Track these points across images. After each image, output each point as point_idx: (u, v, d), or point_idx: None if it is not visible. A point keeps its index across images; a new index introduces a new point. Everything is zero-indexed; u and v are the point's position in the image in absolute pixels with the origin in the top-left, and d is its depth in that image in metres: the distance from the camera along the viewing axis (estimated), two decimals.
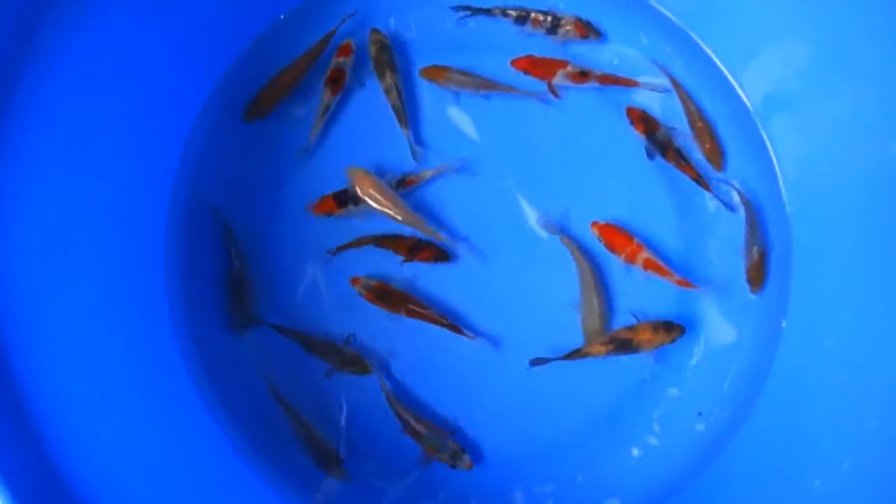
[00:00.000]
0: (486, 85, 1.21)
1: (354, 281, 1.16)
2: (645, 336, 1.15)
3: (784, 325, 1.17)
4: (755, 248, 1.18)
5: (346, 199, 1.17)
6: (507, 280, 1.19)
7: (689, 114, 1.22)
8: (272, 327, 1.17)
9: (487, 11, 1.23)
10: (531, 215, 1.20)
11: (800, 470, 1.06)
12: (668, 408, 1.18)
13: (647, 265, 1.17)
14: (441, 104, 1.23)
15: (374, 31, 1.22)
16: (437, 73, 1.21)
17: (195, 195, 1.21)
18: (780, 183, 1.20)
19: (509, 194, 1.21)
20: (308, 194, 1.20)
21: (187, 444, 1.12)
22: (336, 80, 1.20)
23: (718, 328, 1.19)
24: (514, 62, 1.22)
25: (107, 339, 1.06)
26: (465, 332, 1.15)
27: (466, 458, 1.13)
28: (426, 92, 1.23)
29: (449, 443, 1.13)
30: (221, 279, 1.18)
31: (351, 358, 1.16)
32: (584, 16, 1.24)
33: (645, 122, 1.20)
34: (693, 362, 1.19)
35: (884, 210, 1.08)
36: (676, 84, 1.22)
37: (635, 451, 1.17)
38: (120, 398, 1.04)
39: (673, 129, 1.21)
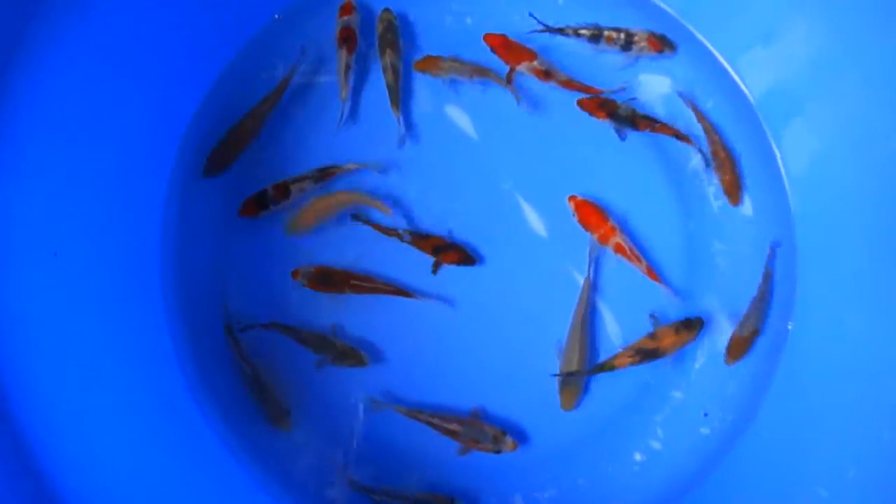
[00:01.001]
0: (480, 71, 1.19)
1: (294, 274, 1.15)
2: (668, 341, 1.13)
3: (790, 326, 1.15)
4: (751, 324, 1.15)
5: (265, 201, 1.16)
6: (506, 281, 1.18)
7: (712, 143, 1.19)
8: (262, 326, 1.15)
9: (560, 31, 1.20)
10: (531, 216, 1.19)
11: (804, 476, 1.05)
12: (672, 411, 1.17)
13: (618, 249, 1.15)
14: (439, 103, 1.21)
15: (386, 10, 1.21)
16: (430, 63, 1.19)
17: (190, 196, 1.19)
18: (786, 182, 1.18)
19: (509, 195, 1.19)
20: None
21: (181, 449, 1.11)
22: (348, 39, 1.19)
23: (723, 331, 1.17)
24: (487, 37, 1.19)
25: (100, 342, 1.05)
26: (416, 295, 1.15)
27: (508, 438, 1.12)
28: (424, 91, 1.21)
29: (486, 429, 1.13)
30: (240, 384, 1.16)
31: (346, 351, 1.14)
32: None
33: (603, 106, 1.18)
34: (697, 366, 1.18)
35: (891, 210, 1.07)
36: (701, 116, 1.20)
37: (638, 456, 1.16)
38: (112, 404, 1.04)
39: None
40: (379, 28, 1.21)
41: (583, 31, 1.20)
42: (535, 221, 1.19)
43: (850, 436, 1.04)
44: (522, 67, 1.19)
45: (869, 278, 1.08)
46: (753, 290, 1.16)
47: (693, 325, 1.14)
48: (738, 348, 1.15)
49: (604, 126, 1.19)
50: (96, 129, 1.06)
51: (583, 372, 1.14)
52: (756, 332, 1.15)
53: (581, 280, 1.17)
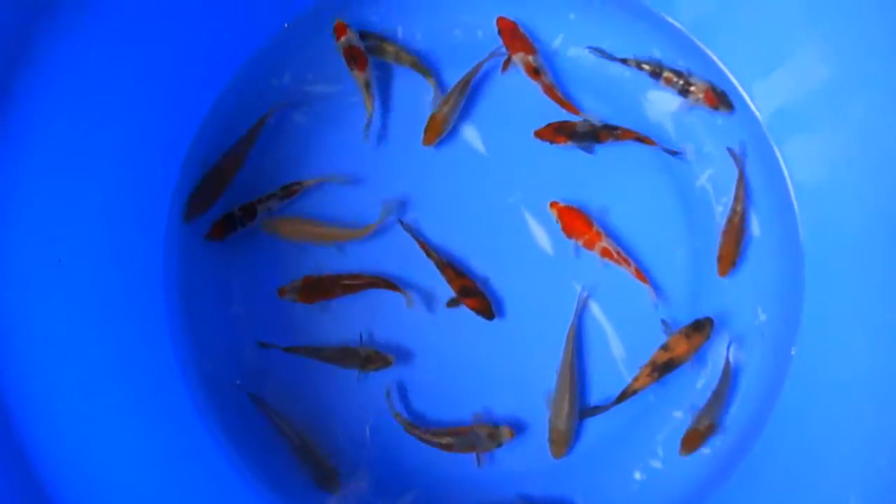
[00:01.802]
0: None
1: (281, 292, 1.15)
2: (682, 349, 1.12)
3: (793, 352, 1.14)
4: (707, 418, 1.13)
5: (232, 223, 1.15)
6: (510, 296, 1.18)
7: (733, 210, 1.17)
8: (284, 350, 1.15)
9: (623, 60, 1.20)
10: (537, 231, 1.18)
11: (805, 499, 1.04)
12: (673, 431, 1.16)
13: (605, 254, 1.15)
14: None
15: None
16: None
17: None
18: (794, 202, 1.17)
19: (515, 209, 1.19)
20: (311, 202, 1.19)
21: (182, 461, 1.10)
22: (356, 57, 1.18)
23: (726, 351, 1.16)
24: (500, 19, 1.19)
25: (102, 349, 1.05)
26: (402, 289, 1.14)
27: (503, 429, 1.13)
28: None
29: (479, 431, 1.12)
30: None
31: (369, 356, 1.14)
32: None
33: (560, 131, 1.17)
34: (699, 385, 1.17)
35: None
36: (741, 181, 1.18)
37: (638, 475, 1.15)
38: (113, 413, 1.03)
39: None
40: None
41: (645, 66, 1.19)
42: (540, 236, 1.18)
43: (853, 464, 1.03)
44: (518, 58, 1.19)
45: (875, 307, 1.08)
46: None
47: (703, 326, 1.13)
48: (694, 441, 1.13)
49: (613, 145, 1.19)
50: (103, 136, 1.05)
51: (607, 406, 1.13)
52: (713, 427, 1.13)
53: (585, 296, 1.17)
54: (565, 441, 1.13)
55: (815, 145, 1.15)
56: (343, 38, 1.18)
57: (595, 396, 1.16)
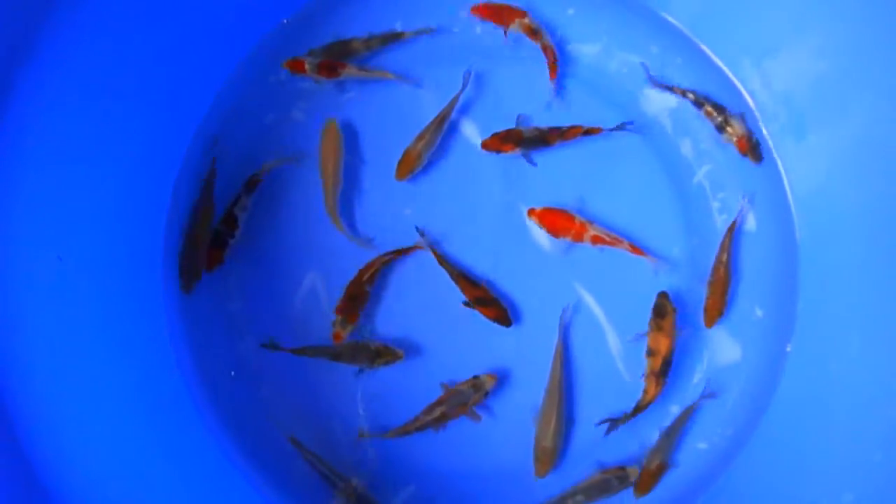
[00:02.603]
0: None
1: (298, 66, 1.17)
2: (664, 343, 1.13)
3: (789, 348, 1.15)
4: (658, 458, 1.14)
5: (223, 239, 1.16)
6: (509, 293, 1.18)
7: (718, 259, 1.17)
8: (290, 352, 1.15)
9: (670, 88, 1.20)
10: (535, 229, 1.18)
11: (800, 498, 1.05)
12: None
13: (596, 241, 1.16)
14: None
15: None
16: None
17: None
18: (790, 198, 1.18)
19: (513, 206, 1.19)
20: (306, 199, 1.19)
21: (182, 454, 1.11)
22: (331, 66, 1.18)
23: (722, 347, 1.18)
24: (473, 9, 1.20)
25: (101, 346, 1.04)
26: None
27: (483, 377, 1.13)
28: (432, 102, 1.20)
29: (463, 388, 1.13)
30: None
31: (379, 350, 1.14)
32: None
33: (507, 139, 1.17)
34: (695, 380, 1.18)
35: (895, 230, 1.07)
36: (732, 229, 1.18)
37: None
38: (113, 407, 1.03)
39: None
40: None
41: (689, 94, 1.19)
42: (539, 234, 1.18)
43: (848, 460, 1.04)
44: (515, 25, 1.19)
45: (870, 304, 1.08)
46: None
47: (663, 306, 1.14)
48: (647, 483, 1.14)
49: (611, 138, 1.19)
50: (104, 132, 1.05)
51: (625, 417, 1.13)
52: (664, 466, 1.14)
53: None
54: (550, 460, 1.13)
55: (812, 142, 1.16)
56: (307, 66, 1.17)
57: (593, 392, 1.17)
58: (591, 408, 1.16)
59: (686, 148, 1.21)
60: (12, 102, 0.92)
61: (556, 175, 1.19)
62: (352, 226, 1.19)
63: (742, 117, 1.18)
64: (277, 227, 1.19)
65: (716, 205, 1.20)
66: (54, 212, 1.00)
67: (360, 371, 1.15)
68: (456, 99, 1.18)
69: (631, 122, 1.19)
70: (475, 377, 1.13)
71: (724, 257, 1.16)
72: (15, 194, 0.95)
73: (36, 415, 0.90)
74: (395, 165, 1.17)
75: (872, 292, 1.09)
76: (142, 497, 1.01)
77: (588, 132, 1.18)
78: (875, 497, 0.99)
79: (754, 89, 1.20)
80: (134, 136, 1.09)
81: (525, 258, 1.18)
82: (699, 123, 1.21)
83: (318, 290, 1.18)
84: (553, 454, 1.13)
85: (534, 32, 1.19)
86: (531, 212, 1.16)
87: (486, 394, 1.13)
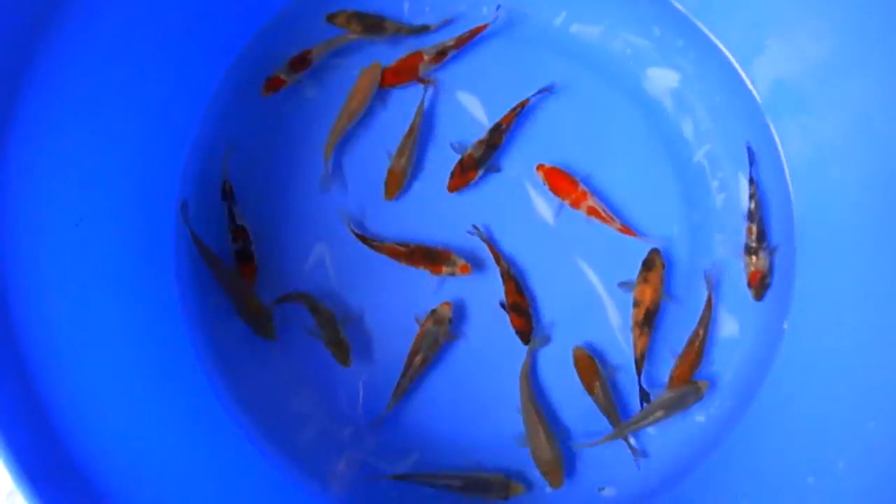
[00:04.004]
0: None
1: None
2: (648, 294, 1.16)
3: (786, 325, 1.17)
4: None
5: (247, 252, 1.18)
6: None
7: (694, 334, 1.18)
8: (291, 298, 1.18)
9: (750, 181, 1.20)
10: (539, 203, 1.21)
11: (794, 466, 1.07)
12: None
13: (591, 212, 1.18)
14: (451, 89, 1.24)
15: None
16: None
17: (208, 170, 1.21)
18: (788, 178, 1.20)
19: (517, 183, 1.22)
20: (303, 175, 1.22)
21: (195, 425, 1.13)
22: (301, 61, 1.21)
23: (722, 321, 1.20)
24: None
25: (115, 308, 1.06)
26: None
27: (440, 309, 1.16)
28: (436, 77, 1.23)
29: (431, 328, 1.16)
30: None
31: (339, 343, 1.16)
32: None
33: (465, 168, 1.18)
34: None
35: (892, 210, 1.08)
36: (709, 304, 1.19)
37: (633, 441, 1.18)
38: (129, 376, 1.05)
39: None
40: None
41: (753, 202, 1.19)
42: (542, 209, 1.21)
43: (842, 430, 1.06)
44: (423, 69, 1.21)
45: (867, 280, 1.10)
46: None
47: (652, 261, 1.17)
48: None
49: (612, 117, 1.22)
50: (121, 102, 1.07)
51: (642, 388, 1.16)
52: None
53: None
54: (558, 468, 1.14)
55: (811, 122, 1.18)
56: (283, 78, 1.20)
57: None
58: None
59: (687, 128, 1.23)
60: (30, 67, 0.95)
61: (560, 153, 1.22)
62: (338, 169, 1.21)
63: (773, 252, 1.19)
64: (279, 204, 1.22)
65: (715, 183, 1.22)
66: (73, 180, 1.02)
67: (312, 331, 1.17)
68: (420, 108, 1.21)
69: (551, 86, 1.21)
70: (433, 312, 1.16)
71: (702, 331, 1.18)
72: (39, 164, 0.97)
73: (54, 373, 0.92)
74: (383, 187, 1.20)
75: (868, 270, 1.10)
76: (154, 466, 1.03)
77: (517, 111, 1.20)
78: (867, 463, 1.01)
79: (754, 71, 1.22)
80: (148, 106, 1.12)
81: (527, 231, 1.21)
82: (700, 104, 1.23)
83: (326, 261, 1.20)
84: (558, 462, 1.14)
85: (440, 54, 1.21)
86: (540, 167, 1.19)
87: (450, 321, 1.16)
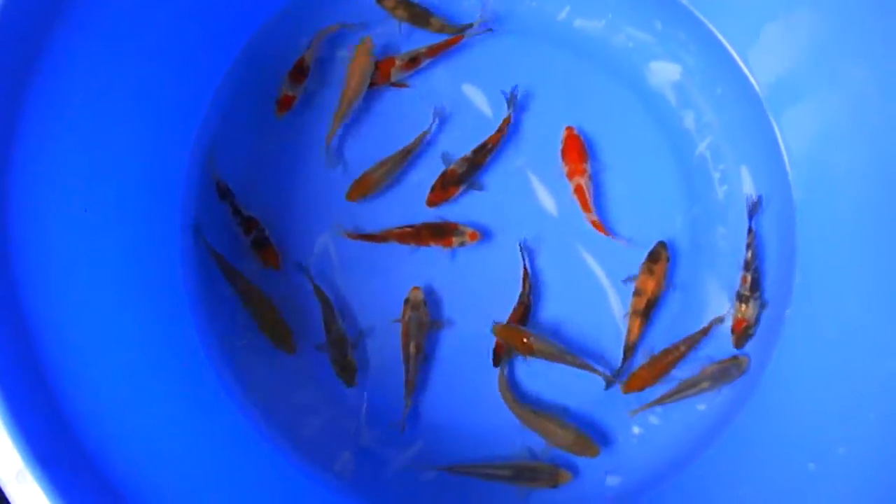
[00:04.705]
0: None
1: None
2: (651, 285, 1.17)
3: (788, 313, 1.18)
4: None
5: (264, 240, 1.19)
6: (515, 258, 1.21)
7: (675, 347, 1.19)
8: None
9: (749, 230, 1.20)
10: (542, 194, 1.22)
11: (795, 452, 1.08)
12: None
13: (577, 190, 1.19)
14: (457, 81, 1.25)
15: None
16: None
17: (211, 161, 1.22)
18: (788, 169, 1.21)
19: (521, 173, 1.23)
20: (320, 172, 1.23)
21: (201, 412, 1.14)
22: (299, 71, 1.22)
23: (723, 311, 1.20)
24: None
25: (120, 292, 1.07)
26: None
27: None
28: (441, 69, 1.25)
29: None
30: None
31: (345, 363, 1.17)
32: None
33: (446, 183, 1.19)
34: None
35: (892, 199, 1.09)
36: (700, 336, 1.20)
37: (636, 430, 1.19)
38: (136, 361, 1.05)
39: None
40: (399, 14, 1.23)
41: (750, 250, 1.19)
42: (546, 199, 1.22)
43: (842, 417, 1.06)
44: (395, 74, 1.22)
45: (867, 268, 1.11)
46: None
47: (658, 253, 1.18)
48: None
49: (615, 108, 1.24)
50: (126, 91, 1.08)
51: (618, 372, 1.18)
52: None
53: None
54: (584, 440, 1.15)
55: (810, 111, 1.19)
56: (293, 93, 1.21)
57: (597, 353, 1.20)
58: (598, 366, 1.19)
59: (689, 120, 1.25)
60: (41, 58, 0.96)
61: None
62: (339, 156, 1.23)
63: (763, 306, 1.19)
64: (282, 198, 1.23)
65: (716, 175, 1.24)
66: (83, 170, 1.03)
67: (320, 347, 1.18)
68: (423, 135, 1.21)
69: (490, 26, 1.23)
70: (406, 301, 1.18)
71: (683, 348, 1.18)
72: (47, 152, 0.98)
73: (61, 356, 0.93)
74: (351, 184, 1.20)
75: (870, 260, 1.11)
76: (147, 430, 1.03)
77: (501, 132, 1.20)
78: (867, 450, 1.02)
79: (753, 62, 1.23)
80: (155, 92, 1.13)
81: (531, 223, 1.22)
82: (702, 97, 1.25)
83: (331, 252, 1.22)
84: (580, 435, 1.15)
85: (413, 61, 1.22)
86: (569, 128, 1.21)
87: (425, 302, 1.17)
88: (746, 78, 1.23)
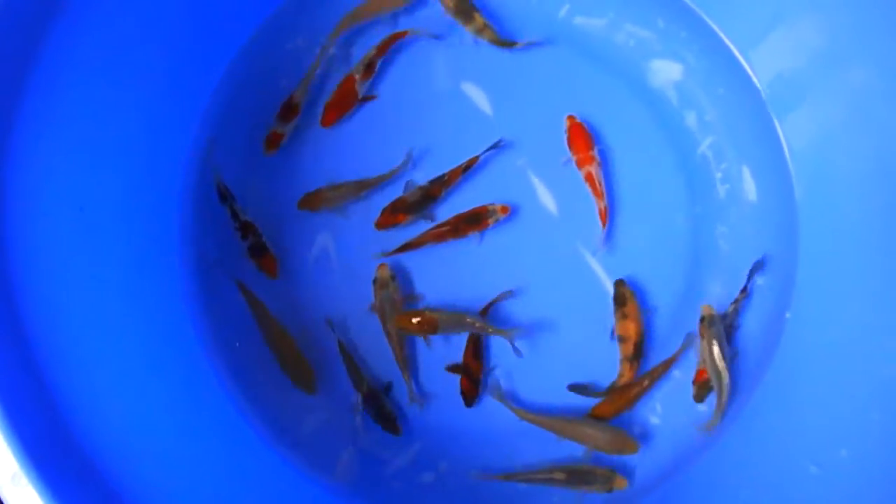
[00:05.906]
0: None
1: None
2: (632, 329, 1.16)
3: (788, 315, 1.18)
4: None
5: (261, 246, 1.18)
6: (514, 257, 1.20)
7: (640, 381, 1.18)
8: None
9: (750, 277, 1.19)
10: (543, 194, 1.21)
11: (797, 455, 1.08)
12: (671, 388, 1.19)
13: (587, 178, 1.18)
14: (456, 79, 1.24)
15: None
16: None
17: (210, 162, 1.22)
18: (791, 168, 1.20)
19: (522, 172, 1.22)
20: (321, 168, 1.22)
21: (198, 411, 1.13)
22: (289, 108, 1.20)
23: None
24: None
25: (118, 292, 1.06)
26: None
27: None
28: (441, 67, 1.24)
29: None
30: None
31: (385, 416, 1.16)
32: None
33: (396, 209, 1.18)
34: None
35: (894, 199, 1.09)
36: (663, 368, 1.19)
37: (637, 430, 1.18)
38: (133, 359, 1.05)
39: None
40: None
41: (742, 295, 1.19)
42: (546, 198, 1.22)
43: (844, 419, 1.06)
44: (360, 88, 1.21)
45: (869, 269, 1.11)
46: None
47: (622, 295, 1.17)
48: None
49: (617, 107, 1.23)
50: (124, 89, 1.07)
51: (600, 393, 1.17)
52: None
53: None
54: (622, 437, 1.14)
55: (812, 110, 1.18)
56: (282, 130, 1.19)
57: (598, 353, 1.19)
58: (598, 369, 1.19)
59: (691, 120, 1.24)
60: (41, 56, 0.95)
61: (564, 144, 1.21)
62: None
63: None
64: (282, 194, 1.22)
65: (718, 175, 1.23)
66: (77, 166, 1.02)
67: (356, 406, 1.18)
68: (388, 175, 1.20)
69: (501, 140, 1.21)
70: (374, 281, 1.17)
71: (646, 382, 1.17)
72: (42, 149, 0.97)
73: (56, 355, 0.92)
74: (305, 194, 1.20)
75: (872, 260, 1.11)
76: (148, 436, 1.03)
77: (465, 169, 1.19)
78: (870, 452, 1.02)
79: (755, 62, 1.22)
80: (153, 91, 1.12)
81: (531, 222, 1.21)
82: (704, 96, 1.24)
83: (330, 250, 1.21)
84: (616, 433, 1.15)
85: (368, 68, 1.20)
86: (570, 117, 1.20)
87: (393, 277, 1.17)
88: (749, 77, 1.22)
